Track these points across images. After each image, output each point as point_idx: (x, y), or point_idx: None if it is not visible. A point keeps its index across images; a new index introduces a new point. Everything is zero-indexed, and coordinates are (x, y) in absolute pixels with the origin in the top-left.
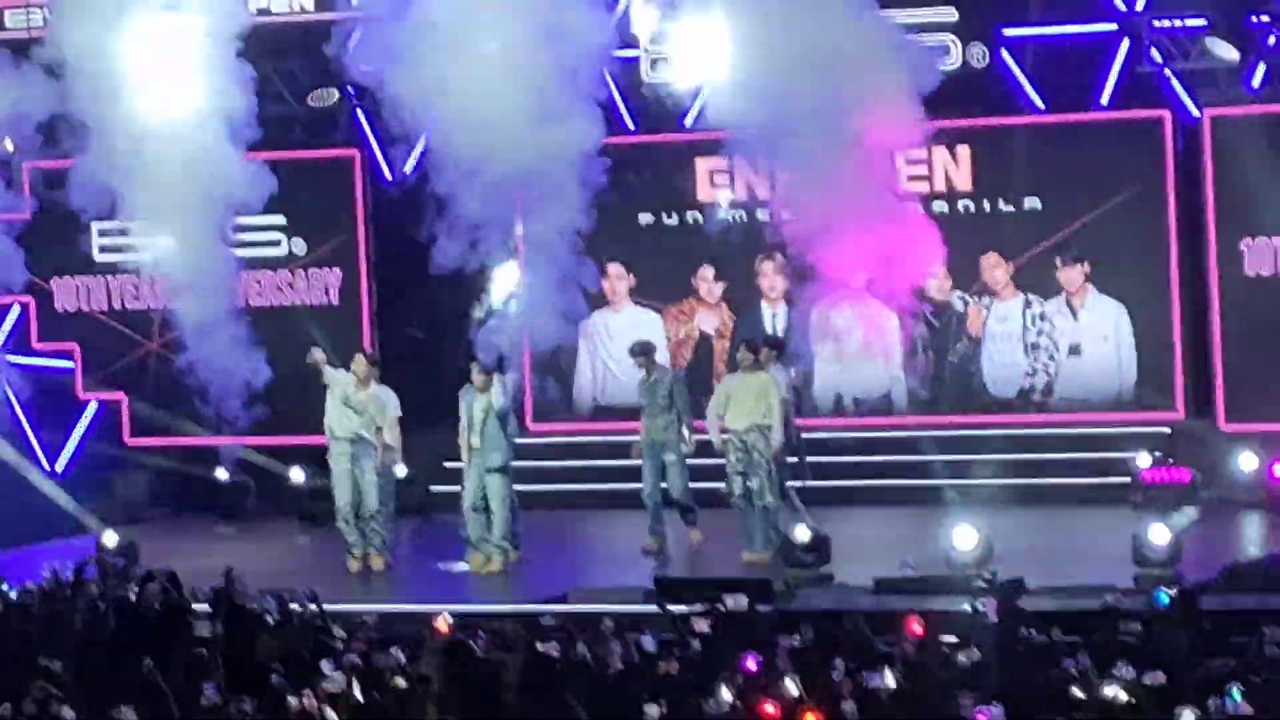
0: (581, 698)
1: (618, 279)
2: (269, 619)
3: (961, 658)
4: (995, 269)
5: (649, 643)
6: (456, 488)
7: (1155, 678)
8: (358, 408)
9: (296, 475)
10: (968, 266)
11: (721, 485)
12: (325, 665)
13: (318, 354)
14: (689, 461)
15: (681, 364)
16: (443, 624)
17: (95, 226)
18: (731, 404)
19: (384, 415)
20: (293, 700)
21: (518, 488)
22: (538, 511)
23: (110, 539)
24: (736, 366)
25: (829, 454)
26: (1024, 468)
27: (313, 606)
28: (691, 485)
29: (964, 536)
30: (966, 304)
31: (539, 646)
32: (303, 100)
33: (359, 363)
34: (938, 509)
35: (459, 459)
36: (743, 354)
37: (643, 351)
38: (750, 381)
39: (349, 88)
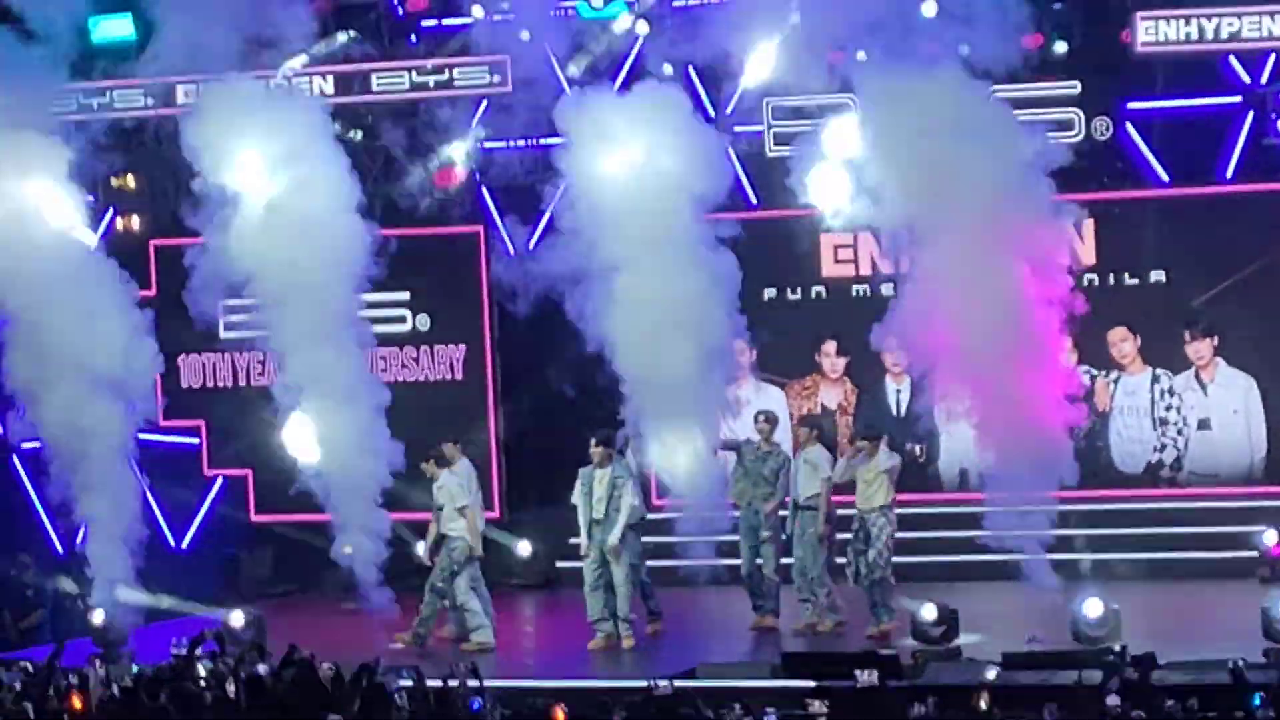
0: None
1: (738, 354)
2: (401, 699)
3: None
4: (1123, 343)
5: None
6: (580, 564)
7: None
8: (437, 501)
9: (420, 550)
10: (1094, 341)
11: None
12: None
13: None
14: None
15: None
16: (560, 714)
17: (221, 303)
18: (859, 487)
19: (454, 502)
20: None
21: (648, 562)
22: (664, 588)
23: (237, 616)
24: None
25: (954, 529)
26: (1151, 541)
27: (473, 682)
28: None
29: (1092, 610)
30: (1094, 378)
31: None
32: (427, 176)
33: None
34: (1065, 583)
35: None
36: (862, 442)
37: (768, 420)
38: (873, 465)
39: (474, 164)
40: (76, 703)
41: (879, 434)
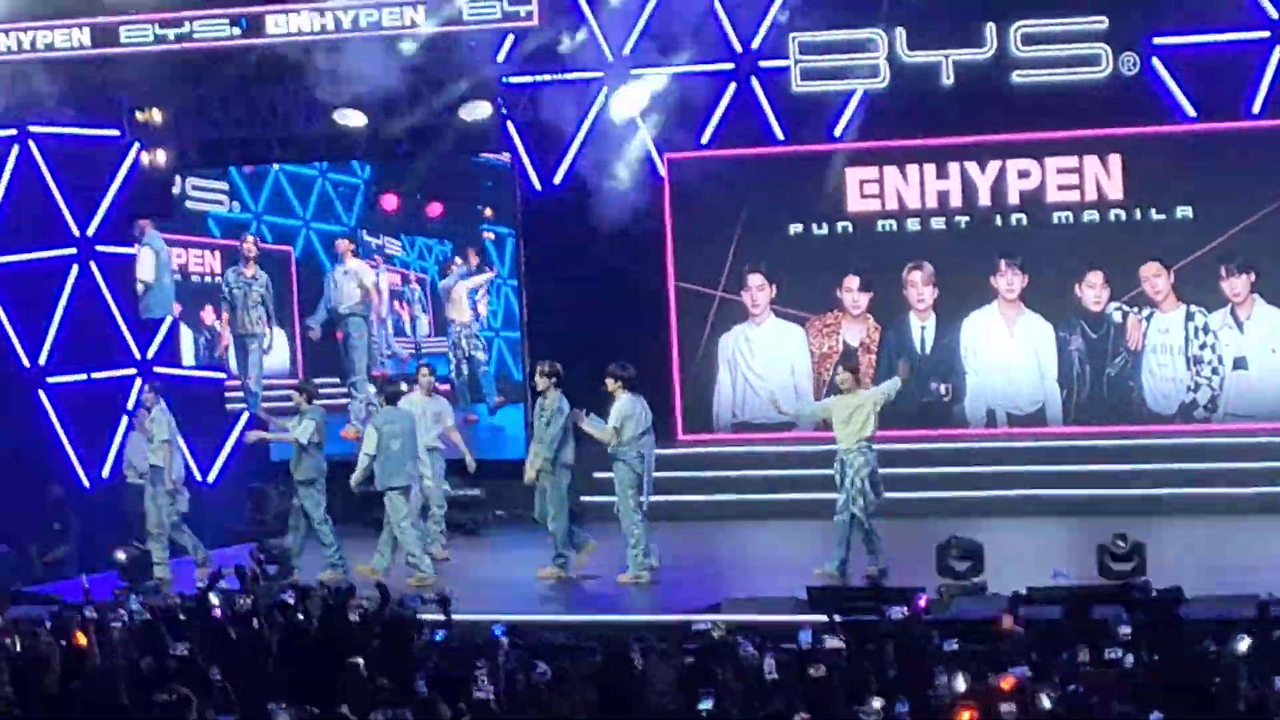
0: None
1: (758, 290)
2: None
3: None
4: (1156, 278)
5: (805, 638)
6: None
7: None
8: None
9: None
10: (1124, 277)
11: None
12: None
13: None
14: None
15: (825, 376)
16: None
17: None
18: (836, 425)
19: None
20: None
21: (669, 499)
22: (688, 523)
23: (262, 548)
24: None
25: (981, 465)
26: (1182, 477)
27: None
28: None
29: (1118, 545)
30: (1125, 315)
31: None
32: (454, 112)
33: None
34: (1094, 519)
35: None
36: (842, 375)
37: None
38: (848, 402)
39: (499, 98)
40: (81, 639)
41: (856, 366)
